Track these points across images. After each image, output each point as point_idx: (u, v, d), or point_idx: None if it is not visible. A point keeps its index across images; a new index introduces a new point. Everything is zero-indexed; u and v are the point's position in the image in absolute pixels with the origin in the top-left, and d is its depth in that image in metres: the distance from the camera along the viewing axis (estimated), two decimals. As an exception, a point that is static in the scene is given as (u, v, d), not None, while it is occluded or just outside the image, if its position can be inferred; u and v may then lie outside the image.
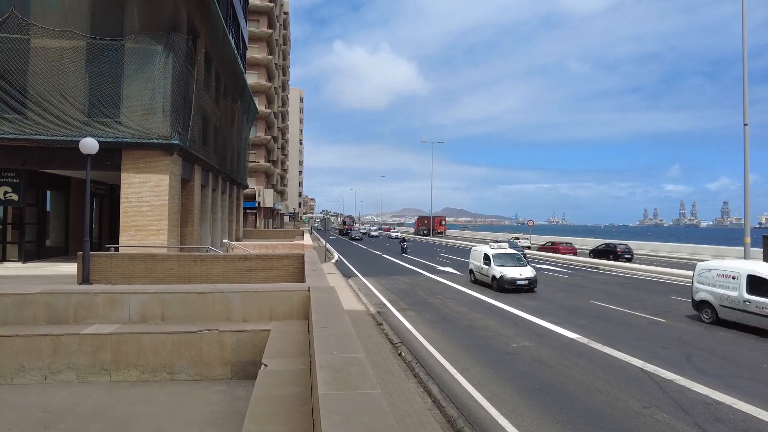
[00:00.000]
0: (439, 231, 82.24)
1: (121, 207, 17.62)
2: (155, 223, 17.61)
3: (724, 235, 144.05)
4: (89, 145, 13.02)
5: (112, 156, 17.45)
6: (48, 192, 21.19)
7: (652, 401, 7.96)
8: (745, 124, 21.93)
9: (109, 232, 25.17)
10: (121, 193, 17.65)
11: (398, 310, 15.98)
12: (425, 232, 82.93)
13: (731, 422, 7.15)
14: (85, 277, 12.99)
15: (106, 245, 19.24)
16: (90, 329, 7.30)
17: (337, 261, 34.17)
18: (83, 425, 5.72)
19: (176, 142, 17.60)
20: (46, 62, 16.73)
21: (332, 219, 75.56)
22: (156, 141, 17.33)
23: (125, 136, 17.17)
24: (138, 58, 17.37)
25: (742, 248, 22.20)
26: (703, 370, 9.56)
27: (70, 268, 16.02)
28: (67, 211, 22.47)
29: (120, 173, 17.64)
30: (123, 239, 17.40)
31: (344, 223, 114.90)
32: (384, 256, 39.97)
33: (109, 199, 25.51)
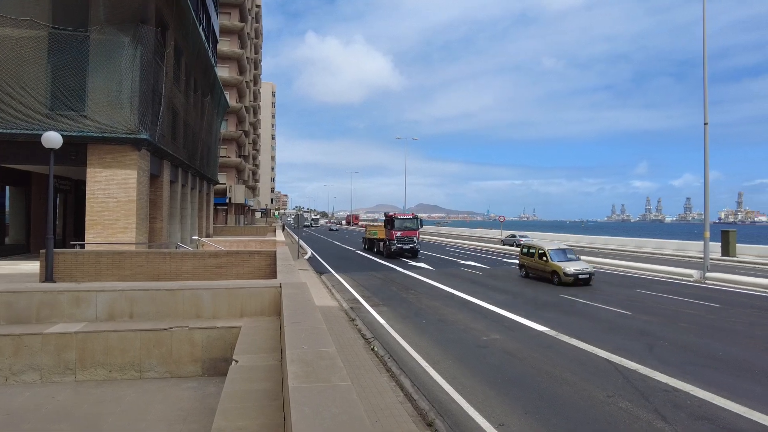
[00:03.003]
0: (355, 223, 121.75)
1: (86, 203, 17.14)
2: (123, 220, 17.20)
3: (687, 230, 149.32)
4: (52, 139, 12.60)
5: (77, 151, 16.95)
6: (7, 188, 20.42)
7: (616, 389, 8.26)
8: (705, 123, 22.79)
9: (73, 229, 24.42)
10: (87, 188, 17.16)
11: (371, 306, 16.06)
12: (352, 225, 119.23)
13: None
14: (48, 276, 12.61)
15: (71, 242, 18.69)
16: (54, 328, 7.12)
17: (310, 257, 34.02)
18: (47, 426, 5.59)
19: (145, 136, 17.21)
20: (4, 52, 16.10)
21: (305, 215, 76.15)
22: (124, 136, 16.91)
23: (91, 131, 16.68)
24: (104, 49, 16.88)
25: (702, 242, 23.12)
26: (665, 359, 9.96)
27: (32, 267, 15.51)
28: (29, 208, 21.72)
29: (85, 168, 17.15)
30: (89, 236, 16.94)
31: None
32: (358, 252, 40.02)
33: (74, 195, 24.75)
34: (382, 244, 36.20)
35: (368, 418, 2.97)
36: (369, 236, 40.29)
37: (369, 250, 40.01)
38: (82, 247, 16.24)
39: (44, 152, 12.89)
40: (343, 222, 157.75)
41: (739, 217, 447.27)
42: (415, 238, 33.88)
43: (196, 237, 26.85)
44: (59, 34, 16.55)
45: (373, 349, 10.75)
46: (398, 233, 33.46)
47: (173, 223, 24.55)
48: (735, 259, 31.61)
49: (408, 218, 34.77)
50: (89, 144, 17.00)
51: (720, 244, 33.48)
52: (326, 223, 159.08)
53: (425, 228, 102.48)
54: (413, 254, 33.83)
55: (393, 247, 33.41)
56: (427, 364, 9.81)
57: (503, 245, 48.17)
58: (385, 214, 36.00)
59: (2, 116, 16.04)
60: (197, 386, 6.76)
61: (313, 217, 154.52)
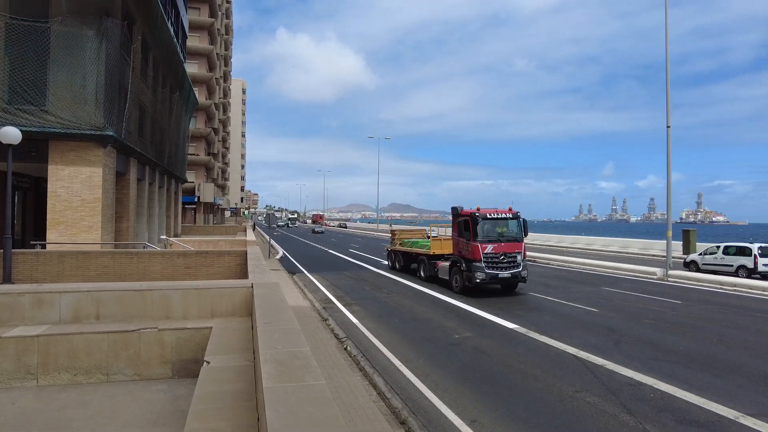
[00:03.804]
0: (320, 223, 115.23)
1: (48, 201, 16.53)
2: (87, 219, 16.66)
3: (651, 230, 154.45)
4: (11, 134, 12.12)
5: (37, 146, 16.31)
6: (-37, 185, 19.50)
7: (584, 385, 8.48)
8: (667, 126, 23.58)
9: (33, 229, 23.50)
10: (49, 186, 16.55)
11: (344, 305, 16.02)
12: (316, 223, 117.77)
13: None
14: (6, 277, 12.11)
15: (31, 242, 17.98)
16: (14, 332, 6.85)
17: (281, 257, 33.70)
18: (8, 433, 5.38)
19: (110, 133, 16.71)
20: (-41, 43, 15.37)
21: (276, 215, 74.37)
22: (88, 132, 16.38)
23: (53, 126, 16.09)
24: (66, 42, 16.29)
25: (665, 241, 23.94)
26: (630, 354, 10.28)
27: (-10, 267, 14.86)
28: (-14, 206, 20.78)
29: (47, 165, 16.53)
30: (51, 236, 16.34)
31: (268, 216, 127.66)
32: (331, 251, 39.85)
33: (34, 193, 23.80)
34: (433, 263, 21.52)
35: (342, 418, 2.97)
36: (401, 248, 25.39)
37: (402, 270, 25.13)
38: (44, 247, 15.66)
39: (1, 148, 12.37)
40: (308, 221, 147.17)
41: (699, 217, 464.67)
42: (519, 256, 18.15)
43: (164, 237, 26.24)
44: (17, 24, 15.89)
45: (346, 349, 10.74)
46: (488, 247, 17.70)
47: (140, 222, 23.93)
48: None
49: (506, 217, 18.55)
50: (51, 140, 16.38)
51: (681, 243, 34.74)
52: (308, 223, 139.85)
53: (396, 226, 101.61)
54: (513, 286, 18.89)
55: (478, 275, 17.50)
56: (400, 363, 9.86)
57: None
58: (453, 209, 19.83)
59: (-43, 110, 15.31)
60: (167, 388, 6.62)
61: (290, 216, 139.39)
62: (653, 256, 35.18)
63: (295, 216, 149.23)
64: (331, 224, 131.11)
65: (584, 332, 12.36)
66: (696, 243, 34.21)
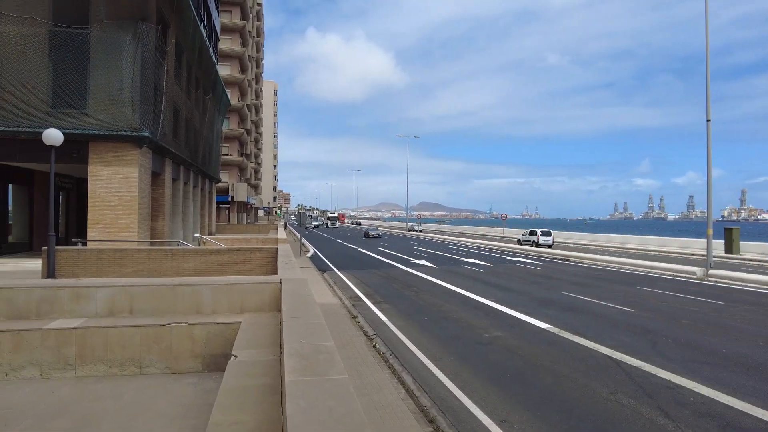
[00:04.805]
0: (342, 221, 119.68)
1: (88, 201, 17.16)
2: (125, 217, 17.21)
3: (690, 228, 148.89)
4: (53, 136, 12.60)
5: (78, 148, 16.96)
6: (10, 186, 20.46)
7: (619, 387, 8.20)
8: (708, 120, 22.65)
9: (76, 227, 24.46)
10: (89, 186, 17.18)
11: (373, 303, 16.02)
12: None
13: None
14: (50, 273, 12.62)
15: (73, 240, 18.71)
16: (54, 324, 7.11)
17: (312, 255, 34.02)
18: (47, 422, 5.57)
19: (146, 134, 17.20)
20: (6, 50, 16.11)
21: (307, 213, 74.00)
22: (125, 133, 16.91)
23: (92, 128, 16.69)
24: (105, 47, 16.87)
25: (705, 240, 23.00)
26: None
27: (35, 264, 15.54)
28: (31, 206, 21.75)
29: (87, 166, 17.16)
30: (91, 234, 16.95)
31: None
32: (360, 250, 39.99)
33: (76, 192, 24.79)
34: None
35: (370, 415, 2.93)
36: None
37: None
38: (84, 244, 16.25)
39: (46, 150, 12.89)
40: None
41: (743, 215, 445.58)
42: None
43: (199, 234, 26.87)
44: (60, 31, 16.54)
45: (374, 346, 10.71)
46: None
47: (175, 220, 24.56)
48: (738, 256, 31.45)
49: None
50: (91, 141, 17.00)
51: (723, 241, 33.34)
52: (357, 224, 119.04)
53: (426, 225, 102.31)
54: None
55: None
56: (428, 361, 9.77)
57: (520, 245, 41.92)
58: None
59: (4, 114, 16.05)
60: (197, 382, 6.74)
61: (330, 215, 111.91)
62: (693, 255, 33.87)
63: (335, 215, 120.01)
64: (347, 221, 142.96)
65: (619, 332, 11.98)
66: (739, 242, 32.78)
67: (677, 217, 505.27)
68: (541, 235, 41.87)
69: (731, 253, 31.97)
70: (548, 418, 7.05)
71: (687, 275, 22.59)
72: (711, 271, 21.94)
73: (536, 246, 40.90)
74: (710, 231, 22.67)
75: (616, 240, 46.52)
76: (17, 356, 6.80)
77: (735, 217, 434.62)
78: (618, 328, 12.41)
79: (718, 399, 7.65)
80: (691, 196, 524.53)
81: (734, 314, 14.16)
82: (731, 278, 21.10)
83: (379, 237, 58.91)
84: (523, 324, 12.98)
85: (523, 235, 45.47)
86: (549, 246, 40.78)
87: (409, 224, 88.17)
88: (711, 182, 22.59)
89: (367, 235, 59.27)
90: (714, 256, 23.65)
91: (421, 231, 77.80)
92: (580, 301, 16.28)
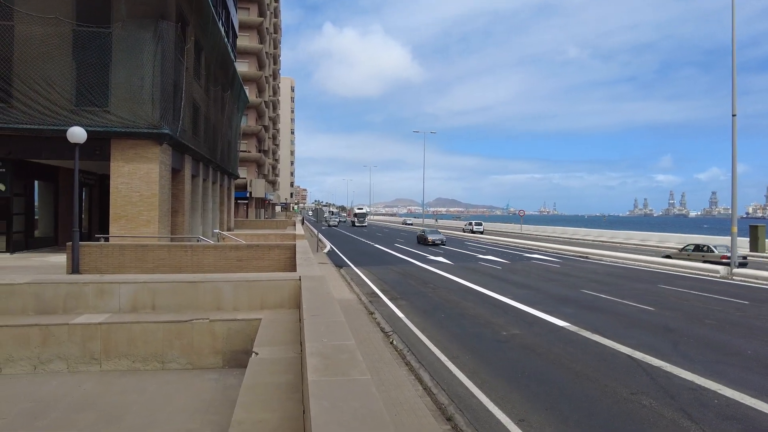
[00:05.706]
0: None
1: (110, 197, 17.48)
2: (145, 213, 17.49)
3: (713, 225, 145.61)
4: (77, 134, 12.86)
5: (101, 145, 17.27)
6: (36, 182, 20.93)
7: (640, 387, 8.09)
8: (733, 115, 22.11)
9: (99, 223, 24.95)
10: (111, 183, 17.50)
11: (390, 300, 16.05)
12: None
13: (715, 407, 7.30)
14: (74, 268, 12.91)
15: (96, 235, 19.09)
16: (80, 319, 7.27)
17: (329, 251, 34.17)
18: (73, 414, 5.72)
19: (166, 131, 17.43)
20: (31, 49, 16.46)
21: (324, 209, 73.17)
22: (145, 130, 17.16)
23: (114, 125, 16.97)
24: (126, 45, 17.13)
25: (729, 237, 22.49)
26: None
27: (60, 259, 15.90)
28: (56, 202, 22.23)
29: (109, 163, 17.47)
30: (113, 229, 17.28)
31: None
32: (377, 246, 40.05)
33: (99, 189, 25.27)
34: None
35: (388, 412, 2.94)
36: None
37: None
38: (107, 240, 16.56)
39: (70, 147, 13.17)
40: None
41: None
42: None
43: (218, 230, 27.19)
44: (83, 31, 16.83)
45: (392, 343, 10.74)
46: None
47: (195, 216, 24.89)
48: (764, 254, 30.70)
49: None
50: (113, 139, 17.30)
51: (748, 239, 32.57)
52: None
53: (442, 221, 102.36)
54: None
55: None
56: (446, 358, 9.76)
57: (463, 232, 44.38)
58: None
59: (29, 112, 16.42)
60: (218, 378, 6.84)
61: (357, 211, 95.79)
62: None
63: (364, 210, 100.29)
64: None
65: (639, 332, 11.80)
66: (765, 239, 31.98)
67: (699, 213, 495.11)
68: (474, 225, 61.79)
69: (757, 251, 31.22)
70: (568, 418, 7.00)
71: (710, 273, 22.14)
72: (735, 270, 21.46)
73: (472, 233, 59.05)
74: (734, 228, 22.16)
75: (636, 237, 45.76)
76: (45, 350, 6.98)
77: (760, 214, 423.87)
78: (638, 327, 12.23)
79: (742, 401, 7.50)
80: (713, 193, 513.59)
81: (760, 314, 13.85)
82: (757, 277, 20.60)
83: (443, 243, 41.84)
84: (541, 322, 12.87)
85: (466, 224, 64.97)
86: (481, 233, 58.17)
87: (465, 223, 69.01)
88: (736, 178, 22.07)
89: (424, 241, 42.10)
90: (738, 255, 23.11)
91: (482, 232, 59.48)
92: (599, 299, 16.09)
